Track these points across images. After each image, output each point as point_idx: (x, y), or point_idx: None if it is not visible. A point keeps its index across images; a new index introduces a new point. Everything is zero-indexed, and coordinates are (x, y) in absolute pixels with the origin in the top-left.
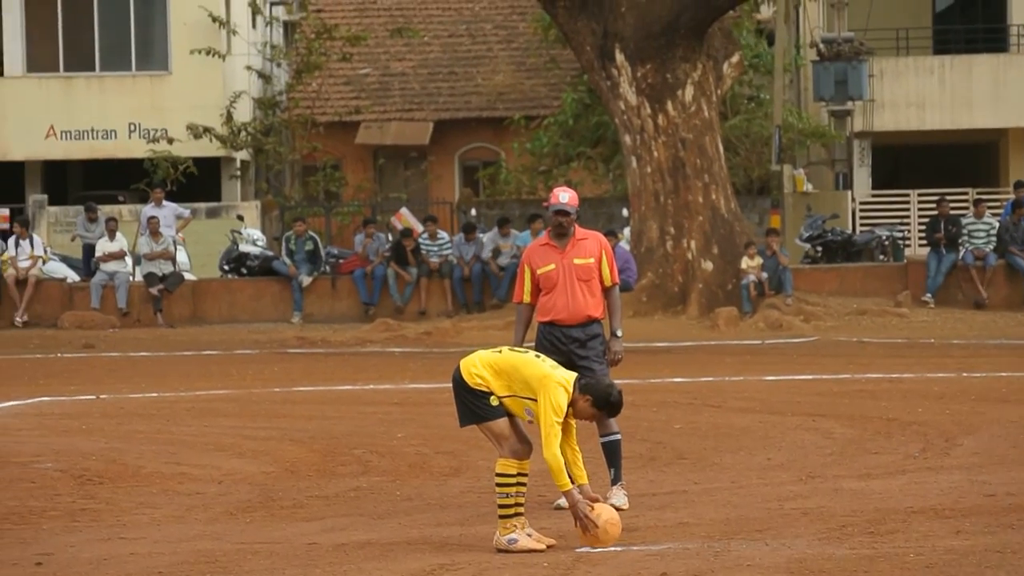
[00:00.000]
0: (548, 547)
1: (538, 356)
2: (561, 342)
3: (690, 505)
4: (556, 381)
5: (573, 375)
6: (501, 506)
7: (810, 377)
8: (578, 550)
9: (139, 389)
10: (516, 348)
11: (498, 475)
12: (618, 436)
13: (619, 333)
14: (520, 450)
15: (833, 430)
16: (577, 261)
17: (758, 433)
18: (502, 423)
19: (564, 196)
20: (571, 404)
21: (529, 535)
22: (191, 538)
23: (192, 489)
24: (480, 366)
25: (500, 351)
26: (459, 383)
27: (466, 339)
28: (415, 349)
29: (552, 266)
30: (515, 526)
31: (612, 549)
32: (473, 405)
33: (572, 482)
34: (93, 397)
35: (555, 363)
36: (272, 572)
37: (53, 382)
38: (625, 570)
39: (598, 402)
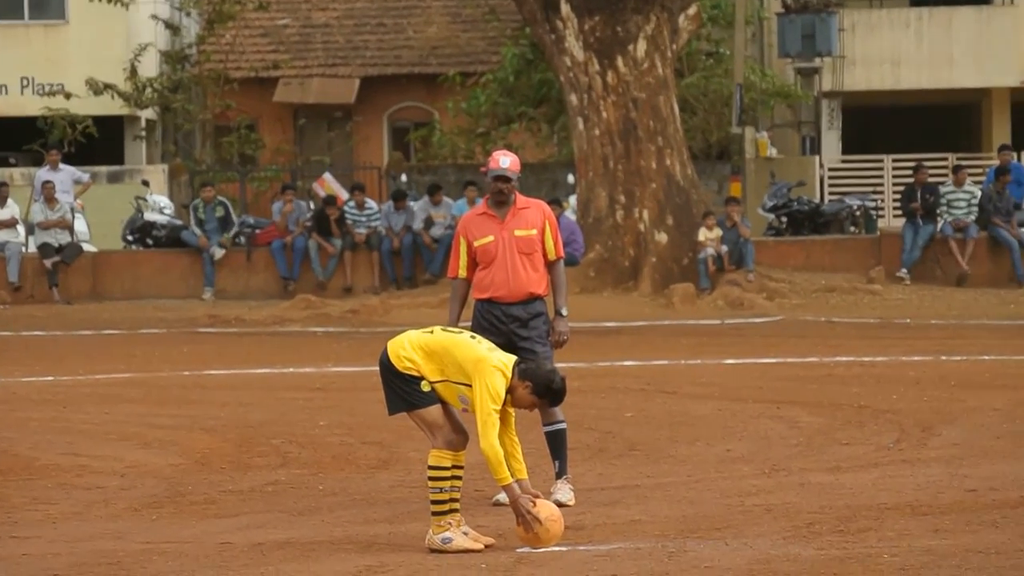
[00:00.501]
0: (486, 547)
1: (474, 337)
2: (500, 321)
3: (642, 501)
4: (493, 365)
5: (512, 358)
6: (434, 502)
7: (774, 360)
8: (519, 550)
9: (33, 372)
10: (450, 328)
11: (431, 468)
12: (563, 425)
13: (564, 312)
14: (455, 440)
15: (799, 419)
16: (518, 232)
17: (717, 422)
18: (435, 411)
19: (504, 160)
20: (510, 391)
21: (465, 533)
22: (91, 537)
23: (92, 483)
24: (409, 348)
25: (432, 331)
26: (387, 367)
27: (396, 318)
28: (339, 329)
29: (490, 238)
30: (450, 524)
31: (556, 549)
32: (402, 391)
33: (512, 475)
34: None
35: (492, 345)
36: (181, 574)
37: None
38: (571, 572)
39: (539, 389)
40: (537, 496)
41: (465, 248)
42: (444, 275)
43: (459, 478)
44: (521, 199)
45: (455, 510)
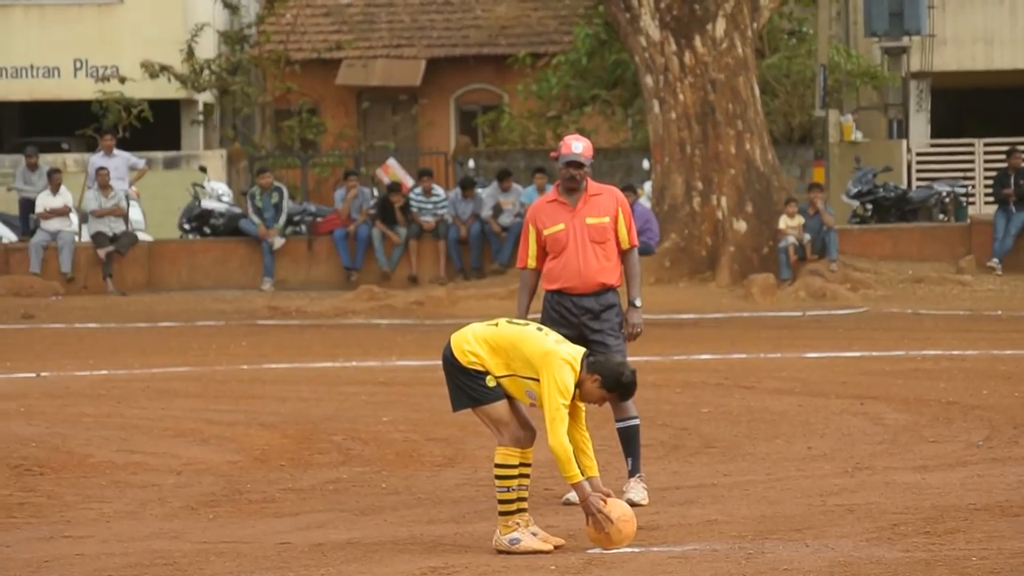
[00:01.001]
0: (555, 547)
1: (540, 329)
2: (572, 313)
3: (719, 500)
4: (561, 358)
5: (581, 351)
6: (501, 501)
7: (858, 354)
8: (589, 551)
9: (86, 366)
10: (516, 320)
11: (497, 466)
12: (636, 421)
13: (638, 303)
14: (522, 437)
15: (884, 415)
16: (590, 220)
17: (798, 418)
18: (501, 407)
19: (577, 146)
20: (578, 385)
21: (534, 534)
22: (146, 537)
23: (147, 481)
24: (474, 342)
25: (497, 324)
26: (450, 362)
27: (462, 310)
28: (404, 321)
29: (561, 226)
30: (517, 524)
31: (628, 550)
32: (467, 386)
33: (582, 473)
34: (33, 375)
35: (560, 337)
36: (239, 575)
37: None
38: (644, 574)
39: (608, 382)
40: (608, 494)
41: (534, 237)
42: (513, 265)
43: (527, 476)
44: (593, 185)
45: (523, 509)
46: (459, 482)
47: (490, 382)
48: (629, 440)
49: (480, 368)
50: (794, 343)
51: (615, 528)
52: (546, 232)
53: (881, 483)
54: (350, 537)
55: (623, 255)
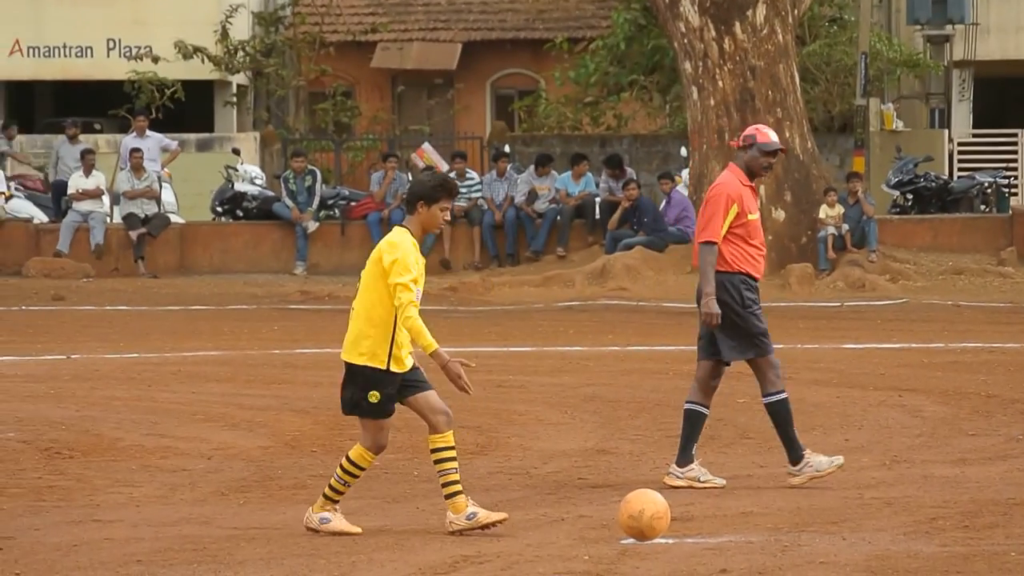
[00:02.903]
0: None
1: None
2: (751, 300)
3: (755, 492)
4: (388, 241)
5: (398, 227)
6: (451, 483)
7: (897, 346)
8: (623, 542)
9: (116, 348)
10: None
11: (438, 450)
12: (783, 394)
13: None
14: (440, 422)
15: (923, 407)
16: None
17: (835, 410)
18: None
19: (774, 135)
20: (424, 229)
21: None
22: (176, 522)
23: (177, 465)
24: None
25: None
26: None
27: (496, 296)
28: (437, 307)
29: (758, 214)
30: (468, 500)
31: (663, 541)
32: (360, 399)
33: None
34: (63, 357)
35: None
36: (269, 562)
37: (16, 339)
38: (678, 565)
39: (428, 198)
40: (467, 363)
41: (733, 216)
42: (547, 251)
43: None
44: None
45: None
46: (491, 470)
47: (372, 398)
48: (774, 419)
49: (374, 361)
50: (832, 334)
51: (647, 525)
52: (750, 217)
53: (919, 476)
54: (382, 524)
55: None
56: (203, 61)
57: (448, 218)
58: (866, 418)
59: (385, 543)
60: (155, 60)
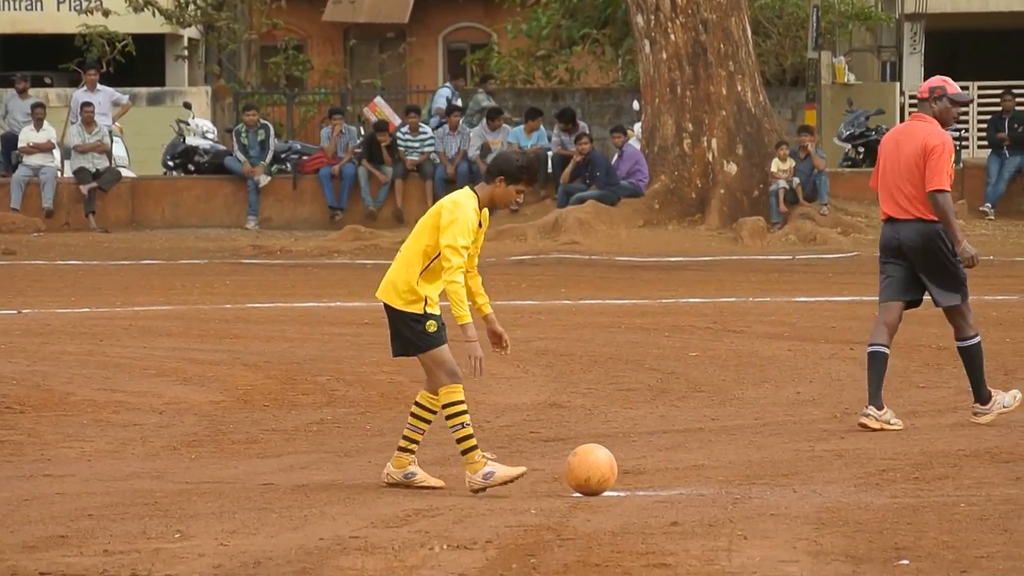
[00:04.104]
0: (523, 473)
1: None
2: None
3: (706, 445)
4: (453, 200)
5: (466, 189)
6: (461, 439)
7: (848, 299)
8: (574, 495)
9: (68, 303)
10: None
11: (447, 406)
12: (978, 338)
13: None
14: (458, 371)
15: None
16: None
17: (786, 363)
18: (445, 350)
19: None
20: (489, 204)
21: (497, 463)
22: (127, 476)
23: (129, 420)
24: (404, 277)
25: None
26: (387, 307)
27: None
28: (390, 261)
29: None
30: (485, 457)
31: (614, 494)
32: (409, 334)
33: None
34: (14, 312)
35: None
36: (221, 516)
37: None
38: (630, 518)
39: (510, 175)
40: (501, 334)
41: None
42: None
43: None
44: None
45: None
46: (443, 424)
47: (431, 327)
48: (968, 362)
49: (418, 310)
50: (784, 287)
51: (595, 487)
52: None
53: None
54: (334, 479)
55: None
56: (154, 15)
57: (521, 200)
58: (817, 371)
59: (337, 497)
60: (105, 14)
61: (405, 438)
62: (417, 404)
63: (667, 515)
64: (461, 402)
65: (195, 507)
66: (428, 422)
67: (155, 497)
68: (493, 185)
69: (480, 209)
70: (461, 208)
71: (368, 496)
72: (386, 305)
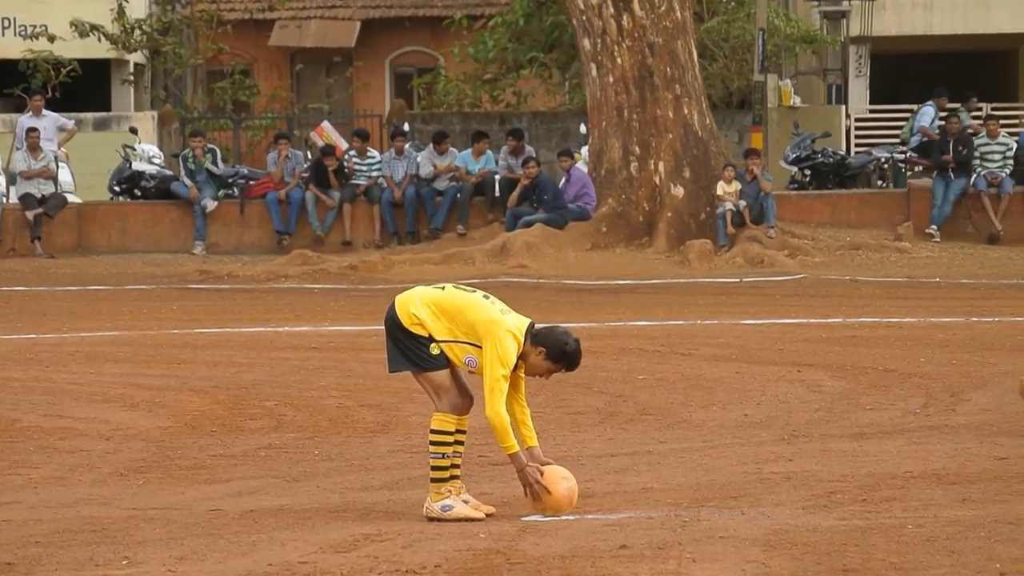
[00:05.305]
0: (487, 515)
1: (487, 297)
2: None
3: (654, 468)
4: (506, 328)
5: (526, 322)
6: (435, 468)
7: (795, 321)
8: (524, 519)
9: (13, 329)
10: (462, 286)
11: (433, 432)
12: None
13: None
14: (460, 404)
15: (821, 382)
16: None
17: (734, 385)
18: (443, 374)
19: None
20: (522, 357)
21: (465, 502)
22: (74, 503)
23: (76, 446)
24: (419, 304)
25: (443, 288)
26: (393, 322)
27: (397, 274)
28: (337, 285)
29: None
30: (450, 491)
31: (564, 518)
32: (410, 351)
33: (520, 444)
34: None
35: (507, 307)
36: (169, 542)
37: None
38: (579, 541)
39: (552, 354)
40: (547, 463)
41: None
42: (447, 229)
43: (462, 443)
44: None
45: (456, 476)
46: (392, 448)
47: (434, 350)
48: None
49: (422, 332)
50: (731, 310)
51: (553, 499)
52: None
53: (818, 451)
54: (282, 504)
55: None
56: (100, 39)
57: (547, 379)
58: (765, 393)
59: (285, 522)
60: (51, 39)
61: (455, 465)
62: (433, 431)
63: (616, 538)
64: (449, 433)
65: (143, 533)
66: (461, 443)
67: (102, 524)
68: (533, 349)
69: (510, 365)
70: (512, 339)
71: (317, 521)
72: (391, 320)
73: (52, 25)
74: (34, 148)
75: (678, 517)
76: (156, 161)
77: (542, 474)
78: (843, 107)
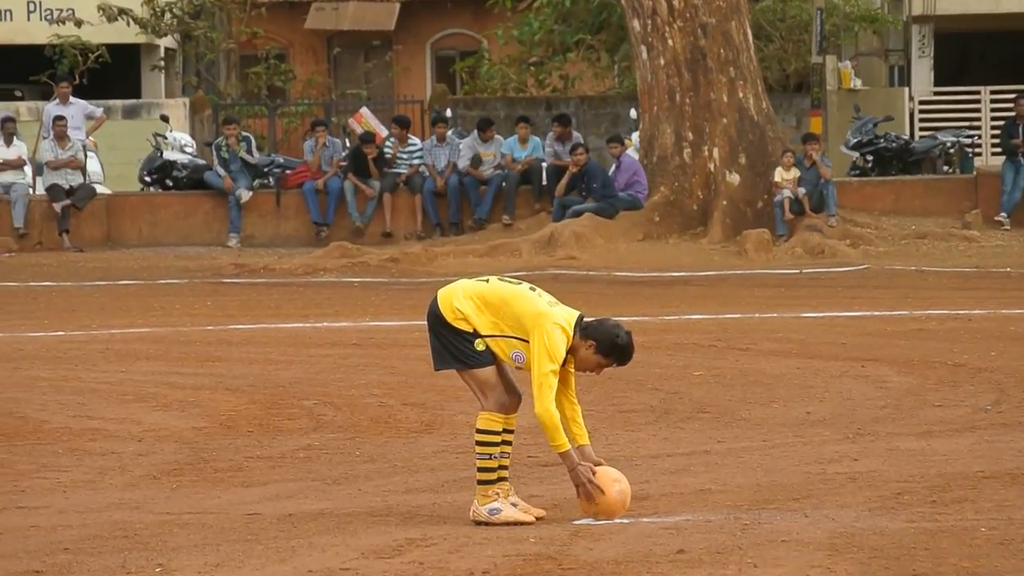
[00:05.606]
0: (537, 519)
1: (534, 289)
2: None
3: (712, 468)
4: (554, 321)
5: (575, 315)
6: (482, 469)
7: (858, 314)
8: (576, 522)
9: (41, 327)
10: (507, 278)
11: (480, 432)
12: None
13: None
14: (507, 403)
15: (887, 378)
16: None
17: (795, 382)
18: (489, 371)
19: None
20: (572, 351)
21: (514, 505)
22: (105, 507)
23: (106, 448)
24: (462, 297)
25: (487, 280)
26: (437, 317)
27: (440, 267)
28: (378, 279)
29: None
30: (497, 494)
31: (617, 521)
32: (454, 347)
33: (571, 442)
34: None
35: (555, 300)
36: (204, 548)
37: None
38: (633, 546)
39: (602, 347)
40: (599, 463)
41: None
42: (492, 219)
43: (509, 444)
44: None
45: (504, 479)
46: (437, 449)
47: (479, 346)
48: None
49: (467, 327)
50: (791, 302)
51: (605, 502)
52: None
53: (884, 450)
54: (322, 507)
55: None
56: (128, 24)
57: (597, 374)
58: (828, 390)
59: (326, 526)
60: (78, 23)
61: (503, 467)
62: (479, 431)
63: (673, 542)
64: (496, 432)
65: (177, 539)
66: (509, 443)
67: (134, 529)
68: (582, 343)
69: (559, 357)
70: (560, 332)
71: (358, 525)
72: (433, 315)
73: (79, 9)
74: (61, 137)
75: (738, 520)
76: (188, 150)
77: (594, 474)
78: (906, 89)
